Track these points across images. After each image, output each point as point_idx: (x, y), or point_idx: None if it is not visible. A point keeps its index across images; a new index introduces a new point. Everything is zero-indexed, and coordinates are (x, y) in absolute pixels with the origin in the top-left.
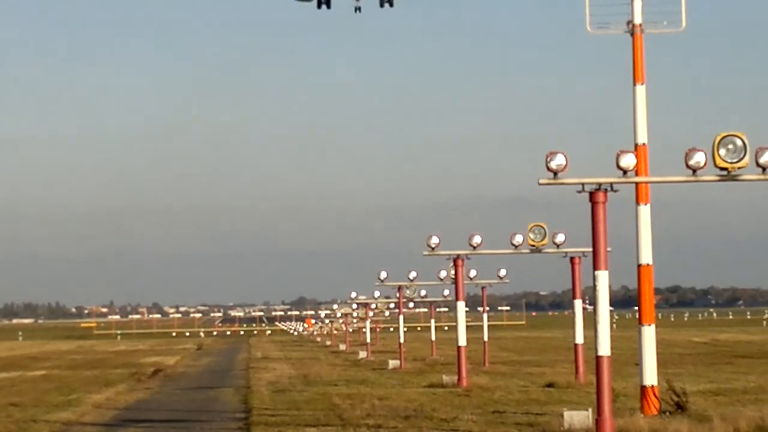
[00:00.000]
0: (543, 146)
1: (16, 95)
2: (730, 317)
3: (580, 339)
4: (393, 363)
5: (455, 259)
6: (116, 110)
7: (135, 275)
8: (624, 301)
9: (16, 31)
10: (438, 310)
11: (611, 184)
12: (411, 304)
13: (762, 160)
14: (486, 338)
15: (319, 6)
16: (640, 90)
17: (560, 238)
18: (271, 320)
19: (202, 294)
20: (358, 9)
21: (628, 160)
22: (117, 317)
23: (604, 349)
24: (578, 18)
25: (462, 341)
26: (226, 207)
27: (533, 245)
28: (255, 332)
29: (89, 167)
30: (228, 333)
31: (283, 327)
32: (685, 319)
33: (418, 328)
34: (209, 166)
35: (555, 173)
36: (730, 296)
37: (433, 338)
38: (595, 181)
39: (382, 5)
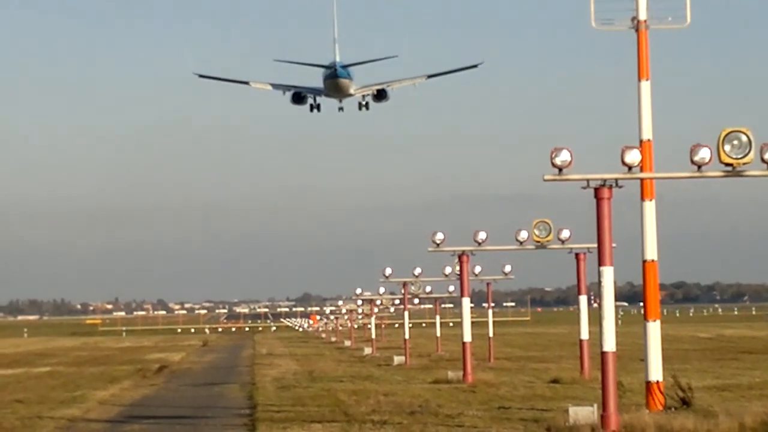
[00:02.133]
0: (547, 142)
1: (18, 95)
2: (736, 313)
3: (585, 335)
4: (398, 359)
5: (460, 256)
6: (117, 110)
7: (140, 272)
8: (629, 296)
9: (15, 31)
10: (443, 306)
11: (616, 180)
12: (416, 301)
13: (767, 156)
14: (491, 334)
15: (311, 110)
16: (645, 86)
17: (565, 234)
18: (276, 317)
19: (207, 291)
20: (341, 108)
21: (633, 156)
22: (122, 314)
23: (610, 344)
24: (583, 14)
25: (467, 337)
26: (230, 204)
27: (538, 241)
28: (260, 329)
29: (92, 165)
30: (233, 329)
31: (288, 323)
32: (691, 314)
33: (423, 324)
34: (212, 164)
35: (560, 169)
36: (735, 292)
37: (438, 334)
38: (600, 177)
39: (360, 109)
